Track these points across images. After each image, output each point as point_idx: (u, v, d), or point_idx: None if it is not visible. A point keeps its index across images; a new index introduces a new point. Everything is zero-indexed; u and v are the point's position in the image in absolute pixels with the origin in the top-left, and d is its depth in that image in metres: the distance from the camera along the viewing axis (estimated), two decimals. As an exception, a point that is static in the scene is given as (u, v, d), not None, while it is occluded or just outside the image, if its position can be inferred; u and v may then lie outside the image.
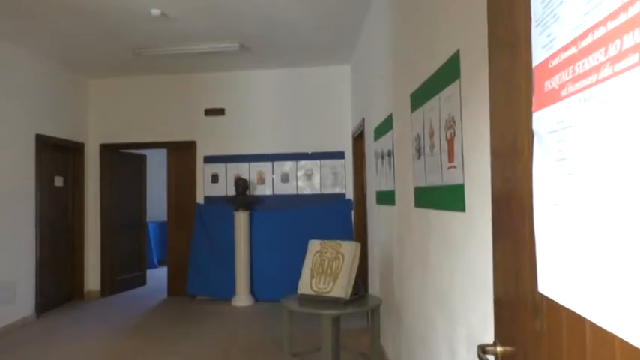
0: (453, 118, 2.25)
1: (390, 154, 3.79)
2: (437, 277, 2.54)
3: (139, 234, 7.94)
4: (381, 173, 4.23)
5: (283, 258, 6.56)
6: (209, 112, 7.06)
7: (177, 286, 7.09)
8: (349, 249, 3.38)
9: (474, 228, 1.99)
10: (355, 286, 3.36)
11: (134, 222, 7.81)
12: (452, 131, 2.26)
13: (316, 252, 3.51)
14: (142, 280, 7.93)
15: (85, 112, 7.22)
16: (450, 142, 2.29)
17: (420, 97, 2.83)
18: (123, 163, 7.59)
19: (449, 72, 2.29)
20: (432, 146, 2.59)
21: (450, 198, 2.29)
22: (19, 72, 5.77)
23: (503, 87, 1.14)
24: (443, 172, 2.40)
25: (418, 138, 2.88)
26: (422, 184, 2.81)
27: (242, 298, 6.45)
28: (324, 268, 3.40)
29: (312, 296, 3.35)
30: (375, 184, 4.62)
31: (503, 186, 1.15)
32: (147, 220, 9.23)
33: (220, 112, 7.04)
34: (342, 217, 6.62)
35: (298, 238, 6.51)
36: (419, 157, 2.88)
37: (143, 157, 8.04)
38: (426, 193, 2.73)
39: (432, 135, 2.59)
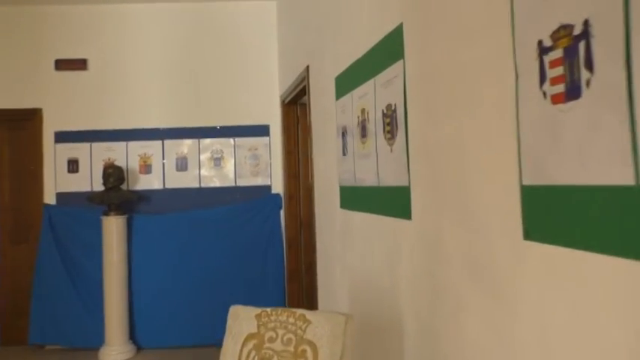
0: None
1: (392, 114, 1.84)
2: None
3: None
4: (358, 154, 2.26)
5: (178, 284, 4.42)
6: (62, 64, 4.64)
7: (15, 330, 4.65)
8: (327, 332, 1.39)
9: None
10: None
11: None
12: None
13: (248, 338, 1.47)
14: (-34, 318, 5.34)
15: None
16: None
17: None
18: None
19: None
20: None
21: None
22: None
23: None
24: None
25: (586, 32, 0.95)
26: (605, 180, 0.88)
27: (116, 347, 4.21)
28: (270, 384, 1.38)
29: None
30: (337, 172, 2.65)
31: None
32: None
33: (81, 64, 4.65)
34: (267, 221, 4.58)
35: (202, 253, 4.46)
36: (574, 97, 0.95)
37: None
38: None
39: None
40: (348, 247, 2.51)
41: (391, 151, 1.87)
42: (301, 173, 4.35)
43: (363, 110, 2.18)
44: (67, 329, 4.44)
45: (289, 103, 4.31)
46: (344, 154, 2.50)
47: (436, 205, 1.53)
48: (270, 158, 4.69)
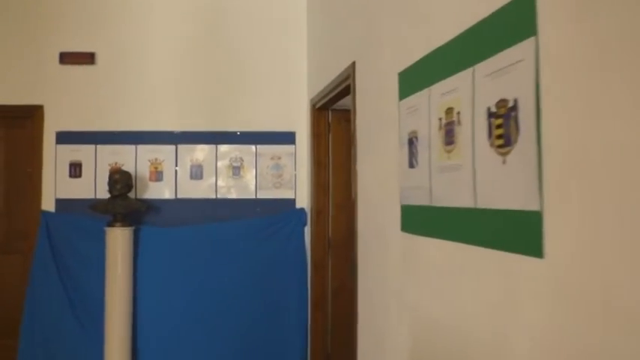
0: None
1: (508, 113, 1.37)
2: None
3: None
4: (439, 166, 1.78)
5: (188, 306, 3.94)
6: (67, 58, 4.19)
7: (3, 350, 4.14)
8: None
9: None
10: None
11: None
12: None
13: None
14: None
15: None
16: None
17: None
18: None
19: None
20: None
21: None
22: None
23: None
24: None
25: None
26: None
27: (116, 379, 3.72)
28: None
29: None
30: (397, 187, 2.18)
31: None
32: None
33: (87, 58, 4.20)
34: (290, 239, 4.09)
35: (216, 271, 4.01)
36: None
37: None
38: None
39: None
40: (413, 281, 2.02)
41: (504, 162, 1.39)
42: (331, 187, 3.88)
43: (449, 110, 1.71)
44: (62, 352, 3.94)
45: (320, 108, 3.85)
46: (411, 165, 2.02)
47: (605, 243, 1.05)
48: (296, 169, 4.21)
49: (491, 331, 1.46)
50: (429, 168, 1.86)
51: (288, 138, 4.22)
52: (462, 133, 1.63)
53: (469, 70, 1.59)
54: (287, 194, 4.20)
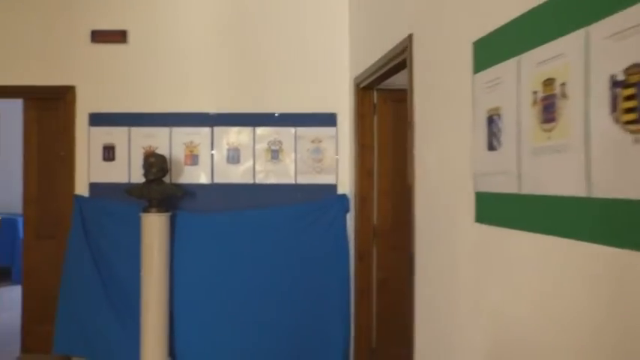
0: None
1: (640, 79, 1.11)
2: None
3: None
4: (533, 147, 1.53)
5: (226, 295, 3.78)
6: (99, 36, 4.03)
7: (39, 336, 4.09)
8: None
9: None
10: None
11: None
12: None
13: None
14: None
15: None
16: None
17: None
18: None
19: None
20: None
21: None
22: None
23: None
24: None
25: None
26: None
27: (153, 368, 3.60)
28: None
29: None
30: (470, 172, 1.93)
31: None
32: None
33: (120, 37, 4.03)
34: (332, 227, 3.87)
35: (255, 260, 3.82)
36: None
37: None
38: None
39: None
40: (493, 278, 1.79)
41: (636, 141, 1.14)
42: (376, 171, 3.65)
43: (548, 81, 1.46)
44: (97, 341, 3.85)
45: (365, 87, 3.60)
46: (492, 147, 1.77)
47: None
48: (337, 153, 3.98)
49: (620, 346, 1.21)
50: (518, 150, 1.61)
51: (329, 120, 3.99)
52: (569, 107, 1.37)
53: (580, 32, 1.32)
54: (328, 179, 3.97)
